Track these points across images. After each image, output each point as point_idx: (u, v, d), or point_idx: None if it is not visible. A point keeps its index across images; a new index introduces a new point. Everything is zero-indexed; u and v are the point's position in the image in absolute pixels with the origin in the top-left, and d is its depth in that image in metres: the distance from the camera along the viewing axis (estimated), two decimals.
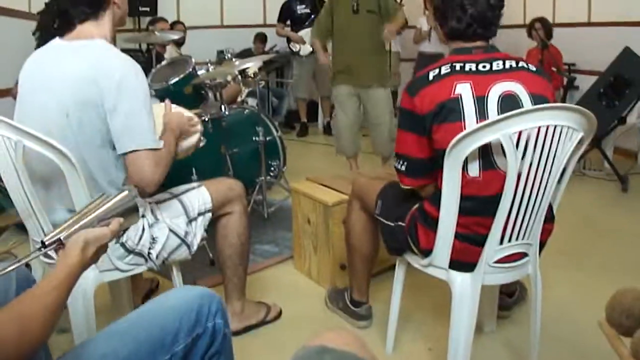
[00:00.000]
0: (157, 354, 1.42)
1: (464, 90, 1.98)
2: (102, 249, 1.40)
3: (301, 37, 7.34)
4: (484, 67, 2.01)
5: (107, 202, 1.45)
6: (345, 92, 4.83)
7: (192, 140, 2.42)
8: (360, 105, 4.91)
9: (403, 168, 2.19)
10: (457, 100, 1.98)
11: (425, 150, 2.10)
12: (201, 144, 2.55)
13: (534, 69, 2.09)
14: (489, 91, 1.98)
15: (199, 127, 2.46)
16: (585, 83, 5.84)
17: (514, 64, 2.05)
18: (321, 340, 1.14)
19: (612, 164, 5.36)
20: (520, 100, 1.99)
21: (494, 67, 2.02)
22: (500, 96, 1.98)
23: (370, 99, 4.79)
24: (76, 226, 1.36)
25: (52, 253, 1.35)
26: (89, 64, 1.99)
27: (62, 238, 1.34)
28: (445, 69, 2.04)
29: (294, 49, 7.45)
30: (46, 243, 1.33)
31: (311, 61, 7.40)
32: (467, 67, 2.02)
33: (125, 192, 1.49)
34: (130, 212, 1.49)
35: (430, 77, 2.05)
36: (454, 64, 2.04)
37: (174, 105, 2.41)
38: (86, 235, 1.34)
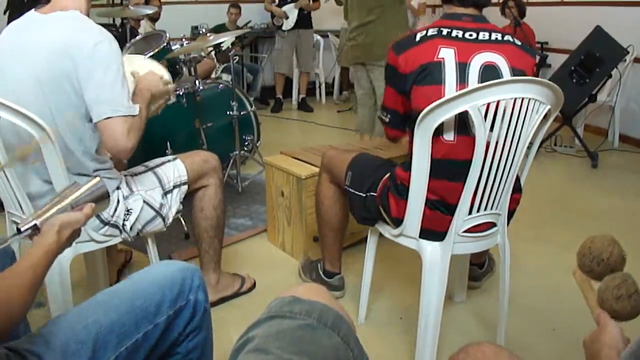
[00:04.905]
0: (140, 324, 1.44)
1: (448, 55, 2.01)
2: (77, 232, 1.42)
3: (284, 12, 7.39)
4: (470, 35, 2.04)
5: (79, 188, 1.48)
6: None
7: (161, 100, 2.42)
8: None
9: (387, 119, 2.29)
10: (440, 64, 2.01)
11: (403, 106, 2.17)
12: (172, 100, 2.51)
13: (519, 43, 2.11)
14: (471, 59, 2.01)
15: (171, 86, 2.43)
16: (557, 61, 5.88)
17: (499, 36, 2.08)
18: (293, 292, 1.22)
19: (583, 140, 5.45)
20: (501, 72, 2.02)
21: (480, 37, 2.05)
22: (482, 65, 2.01)
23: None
24: (51, 211, 1.39)
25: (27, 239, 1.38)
26: (62, 35, 1.98)
27: (37, 224, 1.36)
28: (432, 32, 2.07)
29: (277, 24, 7.47)
30: (22, 229, 1.36)
31: (293, 36, 7.48)
32: (454, 33, 2.05)
33: (97, 179, 1.52)
34: (101, 198, 1.52)
35: (417, 38, 2.08)
36: (441, 29, 2.07)
37: (147, 59, 2.39)
38: (62, 219, 1.37)
